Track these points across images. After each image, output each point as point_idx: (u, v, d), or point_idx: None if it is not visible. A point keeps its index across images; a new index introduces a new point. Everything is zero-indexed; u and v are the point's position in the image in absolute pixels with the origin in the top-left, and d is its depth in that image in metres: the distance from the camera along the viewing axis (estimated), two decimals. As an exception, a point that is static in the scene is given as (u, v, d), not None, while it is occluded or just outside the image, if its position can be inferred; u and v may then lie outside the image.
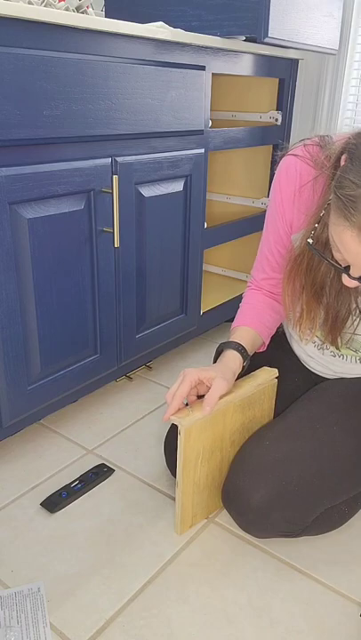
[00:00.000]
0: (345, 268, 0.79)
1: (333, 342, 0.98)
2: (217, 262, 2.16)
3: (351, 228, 0.72)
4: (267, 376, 1.05)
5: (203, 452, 0.99)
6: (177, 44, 1.30)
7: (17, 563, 0.99)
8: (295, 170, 0.94)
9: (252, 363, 1.07)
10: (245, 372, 1.05)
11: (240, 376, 1.03)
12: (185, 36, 1.30)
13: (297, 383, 1.13)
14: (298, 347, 1.12)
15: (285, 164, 0.96)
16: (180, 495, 1.00)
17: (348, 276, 0.79)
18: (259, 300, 1.09)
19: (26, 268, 1.10)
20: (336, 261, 0.81)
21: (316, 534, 1.04)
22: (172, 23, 1.32)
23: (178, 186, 1.43)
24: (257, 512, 0.94)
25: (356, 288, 0.90)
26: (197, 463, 0.99)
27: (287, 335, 1.16)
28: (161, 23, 1.30)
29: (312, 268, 0.93)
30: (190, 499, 1.02)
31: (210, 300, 1.77)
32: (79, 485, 1.17)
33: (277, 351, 1.14)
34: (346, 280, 0.81)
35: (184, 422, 0.92)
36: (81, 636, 0.86)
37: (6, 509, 1.12)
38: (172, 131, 1.36)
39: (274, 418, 1.10)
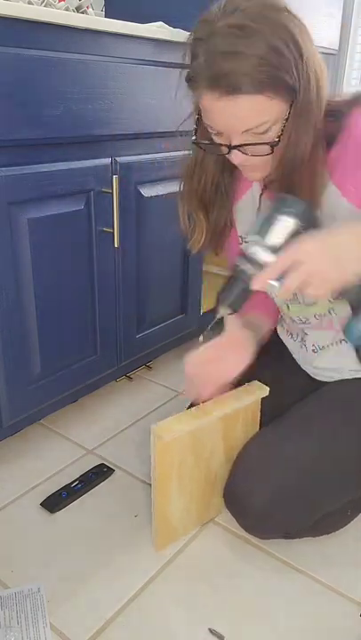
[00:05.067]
0: (230, 146, 0.77)
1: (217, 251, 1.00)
2: (217, 262, 2.16)
3: (201, 92, 0.74)
4: (255, 393, 1.03)
5: (182, 466, 0.96)
6: (177, 43, 1.30)
7: (17, 563, 0.99)
8: None
9: (253, 364, 1.06)
10: (244, 374, 1.05)
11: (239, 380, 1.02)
12: (185, 36, 1.29)
13: (298, 386, 1.12)
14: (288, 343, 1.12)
15: None
16: (157, 510, 0.97)
17: (229, 148, 0.77)
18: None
19: (26, 268, 1.10)
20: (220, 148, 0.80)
21: (318, 536, 1.04)
22: (172, 23, 1.32)
23: (178, 186, 1.43)
24: (258, 513, 0.94)
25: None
26: (175, 477, 0.96)
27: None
28: (161, 23, 1.30)
29: (201, 177, 0.91)
30: (169, 513, 1.00)
31: (210, 300, 1.77)
32: (79, 485, 1.17)
33: (280, 354, 1.14)
34: (233, 157, 0.79)
35: (165, 436, 0.90)
36: (81, 636, 0.86)
37: (6, 509, 1.12)
38: (172, 131, 1.35)
39: (274, 422, 1.09)
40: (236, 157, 0.79)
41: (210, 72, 0.71)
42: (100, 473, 1.21)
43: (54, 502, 1.12)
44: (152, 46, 1.24)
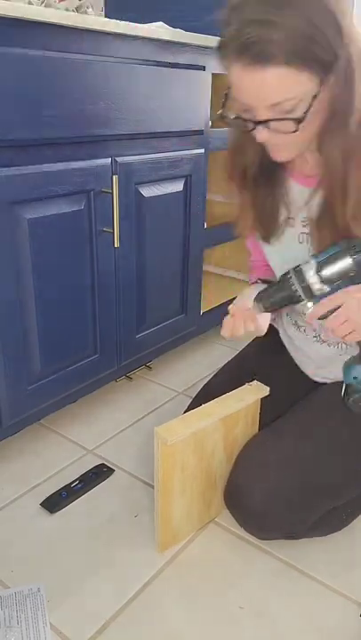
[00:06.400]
0: (255, 121, 0.75)
1: (266, 237, 0.97)
2: (217, 262, 2.16)
3: (230, 61, 0.71)
4: (255, 393, 1.03)
5: (184, 468, 0.96)
6: (177, 43, 1.30)
7: (17, 563, 0.99)
8: None
9: (254, 365, 1.06)
10: (245, 376, 1.05)
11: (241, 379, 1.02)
12: (185, 36, 1.30)
13: (298, 386, 1.12)
14: (285, 337, 1.12)
15: None
16: (160, 512, 0.97)
17: (255, 124, 0.75)
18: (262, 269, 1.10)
19: (26, 268, 1.10)
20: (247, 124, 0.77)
21: (318, 536, 1.04)
22: (172, 23, 1.32)
23: (178, 186, 1.43)
24: (258, 513, 0.94)
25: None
26: (178, 479, 0.96)
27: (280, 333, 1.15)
28: (161, 23, 1.30)
29: (244, 154, 0.89)
30: (171, 515, 0.99)
31: (210, 299, 1.77)
32: (79, 485, 1.17)
33: (280, 355, 1.14)
34: (258, 133, 0.77)
35: (169, 438, 0.89)
36: (81, 636, 0.86)
37: (6, 509, 1.12)
38: (172, 131, 1.36)
39: (274, 423, 1.09)
40: (260, 134, 0.77)
41: (239, 40, 0.69)
42: (100, 473, 1.21)
43: (54, 502, 1.12)
44: (152, 46, 1.24)
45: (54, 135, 1.08)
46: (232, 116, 0.79)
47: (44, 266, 1.13)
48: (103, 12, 1.67)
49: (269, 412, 1.05)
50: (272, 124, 0.74)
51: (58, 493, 1.14)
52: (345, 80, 0.71)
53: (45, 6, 1.25)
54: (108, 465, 1.25)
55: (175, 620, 0.89)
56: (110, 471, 1.22)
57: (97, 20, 1.09)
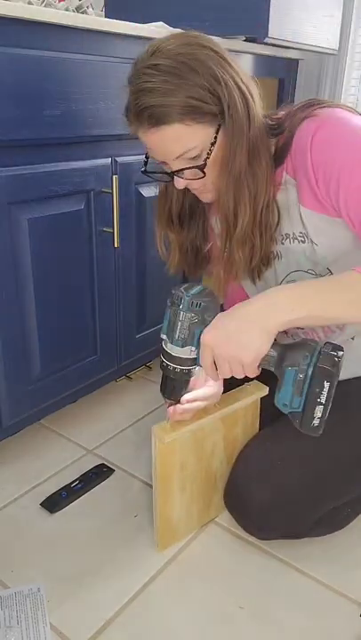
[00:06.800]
0: (171, 173, 0.84)
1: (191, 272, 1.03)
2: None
3: (135, 127, 0.81)
4: (255, 393, 1.03)
5: (183, 467, 0.96)
6: (177, 44, 1.30)
7: (17, 563, 0.99)
8: None
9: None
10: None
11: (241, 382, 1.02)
12: (185, 36, 1.29)
13: None
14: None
15: None
16: (158, 511, 0.97)
17: (170, 175, 0.84)
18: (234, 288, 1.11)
19: (26, 268, 1.10)
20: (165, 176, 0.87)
21: (318, 535, 1.04)
22: (172, 23, 1.32)
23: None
24: (258, 513, 0.94)
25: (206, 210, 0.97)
26: (177, 478, 0.96)
27: None
28: (161, 23, 1.30)
29: (169, 201, 0.96)
30: (170, 514, 0.99)
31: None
32: (79, 485, 1.17)
33: None
34: (176, 182, 0.85)
35: (165, 437, 0.90)
36: (81, 636, 0.86)
37: (6, 509, 1.12)
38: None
39: (274, 422, 1.09)
40: (177, 183, 0.86)
41: (136, 108, 0.79)
42: (99, 473, 1.21)
43: (54, 502, 1.12)
44: (152, 46, 1.24)
45: (54, 135, 1.08)
46: (155, 171, 0.89)
47: (43, 266, 1.13)
48: (103, 12, 1.67)
49: (269, 411, 1.05)
50: (184, 172, 0.83)
51: (58, 493, 1.14)
52: (232, 123, 0.80)
53: (45, 6, 1.24)
54: (108, 465, 1.25)
55: (175, 619, 0.89)
56: (110, 471, 1.22)
57: (97, 20, 1.09)
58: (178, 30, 1.28)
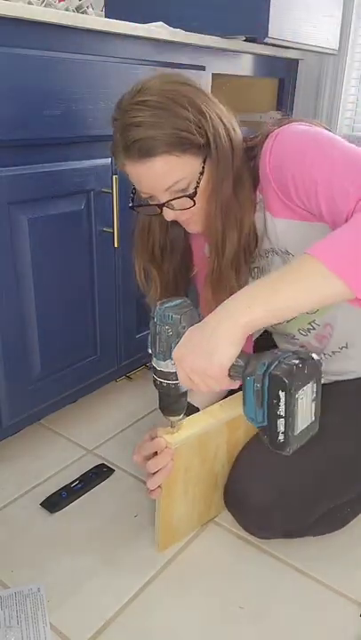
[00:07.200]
0: (160, 205, 0.86)
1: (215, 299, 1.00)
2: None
3: (122, 161, 0.84)
4: None
5: (188, 470, 0.96)
6: (177, 43, 1.30)
7: (17, 563, 0.99)
8: None
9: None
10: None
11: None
12: (185, 36, 1.30)
13: None
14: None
15: None
16: (161, 513, 0.97)
17: (160, 206, 0.86)
18: None
19: (25, 268, 1.10)
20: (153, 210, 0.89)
21: (318, 535, 1.04)
22: (172, 23, 1.32)
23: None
24: (258, 512, 0.94)
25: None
26: (181, 481, 0.96)
27: None
28: (161, 23, 1.30)
29: (150, 236, 0.98)
30: (173, 516, 0.99)
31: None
32: (79, 485, 1.17)
33: None
34: (165, 214, 0.87)
35: (173, 442, 0.89)
36: (81, 636, 0.86)
37: (6, 509, 1.12)
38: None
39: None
40: (167, 214, 0.87)
41: (123, 143, 0.82)
42: (99, 473, 1.21)
43: (54, 502, 1.12)
44: (152, 46, 1.24)
45: (54, 135, 1.08)
46: (142, 204, 0.91)
47: (43, 266, 1.13)
48: (103, 12, 1.67)
49: None
50: (173, 203, 0.85)
51: (58, 493, 1.14)
52: (217, 153, 0.83)
53: (45, 6, 1.24)
54: (108, 465, 1.25)
55: (175, 619, 0.89)
56: (110, 471, 1.22)
57: (97, 20, 1.09)
58: (178, 30, 1.29)
